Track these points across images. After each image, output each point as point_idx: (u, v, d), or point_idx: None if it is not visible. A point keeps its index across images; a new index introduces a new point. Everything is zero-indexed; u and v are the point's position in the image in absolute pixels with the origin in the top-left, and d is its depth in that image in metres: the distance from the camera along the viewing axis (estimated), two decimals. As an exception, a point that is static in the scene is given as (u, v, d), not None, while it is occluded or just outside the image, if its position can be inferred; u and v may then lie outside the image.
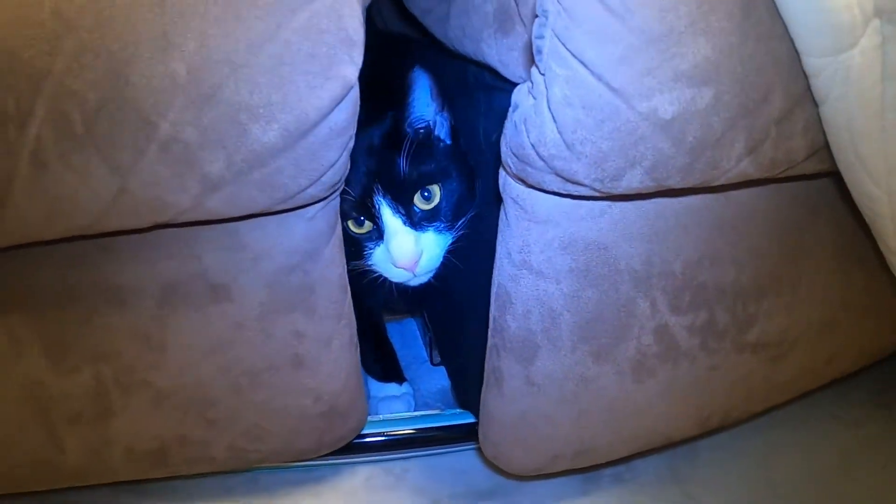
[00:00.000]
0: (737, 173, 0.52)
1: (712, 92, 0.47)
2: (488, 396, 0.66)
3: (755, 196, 0.59)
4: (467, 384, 0.78)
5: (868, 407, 0.88)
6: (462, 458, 0.80)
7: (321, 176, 0.51)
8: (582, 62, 0.45)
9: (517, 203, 0.55)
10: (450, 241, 0.71)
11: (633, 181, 0.49)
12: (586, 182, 0.49)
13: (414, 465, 0.79)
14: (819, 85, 0.49)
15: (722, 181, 0.52)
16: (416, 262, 0.68)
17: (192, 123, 0.46)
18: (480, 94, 0.68)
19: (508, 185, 0.56)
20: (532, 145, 0.49)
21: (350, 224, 0.69)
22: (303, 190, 0.51)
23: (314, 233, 0.57)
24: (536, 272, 0.57)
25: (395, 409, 0.84)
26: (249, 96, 0.46)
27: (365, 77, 0.49)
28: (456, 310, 0.81)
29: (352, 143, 0.52)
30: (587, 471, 0.75)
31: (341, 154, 0.51)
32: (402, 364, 0.92)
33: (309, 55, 0.46)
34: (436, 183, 0.69)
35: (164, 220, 0.50)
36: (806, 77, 0.50)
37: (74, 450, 0.62)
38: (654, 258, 0.58)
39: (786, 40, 0.48)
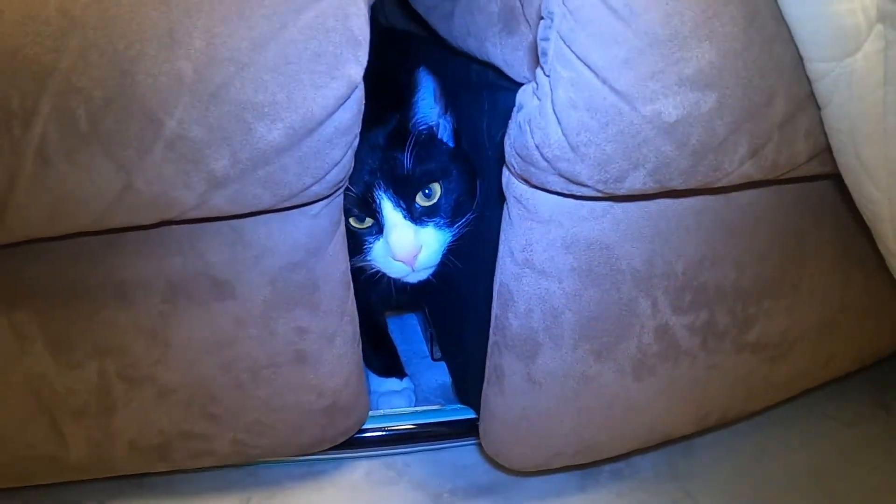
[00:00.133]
0: (739, 175, 0.52)
1: (716, 96, 0.47)
2: (489, 393, 0.66)
3: (756, 198, 0.60)
4: (468, 380, 0.78)
5: (866, 406, 0.88)
6: (462, 454, 0.80)
7: (325, 174, 0.51)
8: (587, 65, 0.45)
9: (520, 202, 0.55)
10: (449, 239, 0.71)
11: (635, 183, 0.49)
12: (589, 183, 0.50)
13: (414, 460, 0.79)
14: (822, 89, 0.49)
15: (724, 183, 0.52)
16: (415, 257, 0.68)
17: (198, 121, 0.46)
18: (484, 92, 0.68)
19: (512, 184, 0.56)
20: (536, 146, 0.49)
21: (351, 220, 0.69)
22: (307, 188, 0.51)
23: (318, 230, 0.57)
24: (539, 271, 0.57)
25: (395, 404, 0.85)
26: (255, 95, 0.46)
27: (368, 74, 0.49)
28: (457, 307, 0.81)
29: (356, 142, 0.52)
30: (586, 467, 0.76)
31: (346, 153, 0.51)
32: (403, 359, 0.92)
33: (315, 54, 0.46)
34: (437, 181, 0.69)
35: (169, 217, 0.50)
36: (809, 81, 0.50)
37: (77, 444, 0.62)
38: (656, 258, 0.58)
39: (789, 45, 0.49)
